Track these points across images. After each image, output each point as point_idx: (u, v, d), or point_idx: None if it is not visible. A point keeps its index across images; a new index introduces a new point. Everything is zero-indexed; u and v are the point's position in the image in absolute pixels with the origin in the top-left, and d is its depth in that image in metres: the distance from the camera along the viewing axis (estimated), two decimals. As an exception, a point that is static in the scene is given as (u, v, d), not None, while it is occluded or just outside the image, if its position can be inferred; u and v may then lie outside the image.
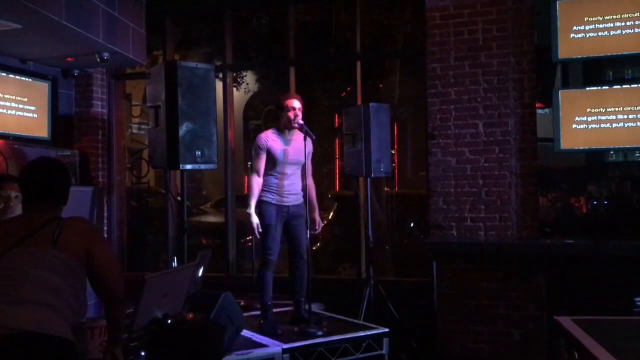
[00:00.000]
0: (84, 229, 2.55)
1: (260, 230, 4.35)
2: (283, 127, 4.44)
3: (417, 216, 7.89)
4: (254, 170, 4.41)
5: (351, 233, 5.96)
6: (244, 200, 4.70)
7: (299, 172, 4.48)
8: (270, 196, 4.37)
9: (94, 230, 2.63)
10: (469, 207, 5.10)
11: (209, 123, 4.41)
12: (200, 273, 4.12)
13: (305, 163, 4.47)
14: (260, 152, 4.38)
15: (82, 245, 2.47)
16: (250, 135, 6.34)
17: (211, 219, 9.40)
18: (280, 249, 4.46)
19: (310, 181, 4.52)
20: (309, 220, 4.24)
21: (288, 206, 4.39)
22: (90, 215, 5.63)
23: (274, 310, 4.44)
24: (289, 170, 4.41)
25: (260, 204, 4.39)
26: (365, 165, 4.89)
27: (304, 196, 4.37)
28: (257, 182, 4.38)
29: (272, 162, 4.38)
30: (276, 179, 4.39)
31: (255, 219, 4.33)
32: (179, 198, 4.93)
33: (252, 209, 4.35)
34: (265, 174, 4.42)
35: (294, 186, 4.44)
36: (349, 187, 6.89)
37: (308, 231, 4.25)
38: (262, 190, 4.40)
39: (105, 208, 6.31)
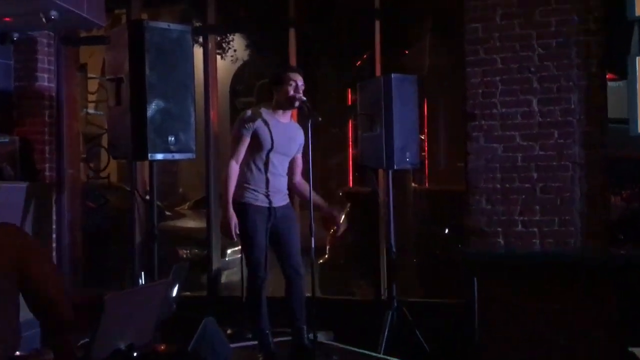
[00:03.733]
0: (15, 237, 2.56)
1: (238, 232, 4.34)
2: (277, 105, 4.45)
3: (452, 219, 7.88)
4: (233, 155, 4.39)
5: (368, 241, 5.96)
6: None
7: (286, 165, 4.51)
8: (252, 196, 4.36)
9: (28, 239, 2.64)
10: (520, 208, 5.11)
11: (185, 101, 4.42)
12: (175, 292, 4.12)
13: (295, 156, 4.51)
14: (244, 133, 4.36)
15: (12, 258, 2.47)
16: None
17: (189, 223, 9.46)
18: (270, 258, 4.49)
19: (300, 178, 4.58)
20: (313, 224, 4.25)
21: (275, 208, 4.39)
22: (23, 218, 5.60)
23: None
24: (276, 161, 4.41)
25: (239, 207, 4.36)
26: (387, 154, 4.91)
27: (291, 196, 4.48)
28: (235, 171, 4.36)
29: (257, 148, 4.37)
30: (259, 171, 4.38)
31: (233, 218, 4.32)
32: (147, 197, 4.94)
33: (229, 205, 4.32)
34: (245, 164, 4.40)
35: (280, 182, 4.44)
36: (366, 183, 6.89)
37: (313, 238, 4.26)
38: (241, 189, 4.38)
39: (54, 210, 6.33)
